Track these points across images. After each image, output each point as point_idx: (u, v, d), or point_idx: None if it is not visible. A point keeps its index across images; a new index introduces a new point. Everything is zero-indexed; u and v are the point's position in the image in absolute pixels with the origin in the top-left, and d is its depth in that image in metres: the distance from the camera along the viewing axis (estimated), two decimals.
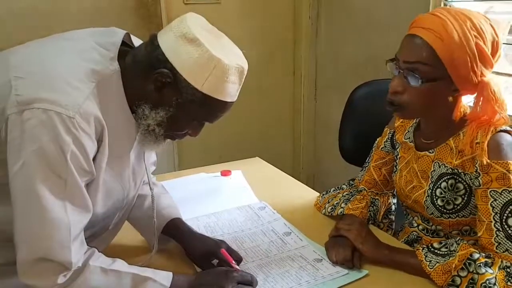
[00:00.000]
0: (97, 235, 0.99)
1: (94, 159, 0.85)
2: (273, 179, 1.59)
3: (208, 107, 0.89)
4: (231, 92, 0.89)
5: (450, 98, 1.00)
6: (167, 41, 0.86)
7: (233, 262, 1.01)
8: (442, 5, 1.86)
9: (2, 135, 0.79)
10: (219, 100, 0.88)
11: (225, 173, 1.57)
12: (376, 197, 1.27)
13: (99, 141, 0.85)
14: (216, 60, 0.84)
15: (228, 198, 1.41)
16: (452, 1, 1.85)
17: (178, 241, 1.10)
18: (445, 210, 1.07)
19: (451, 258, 0.95)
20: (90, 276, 0.84)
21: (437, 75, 0.96)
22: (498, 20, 1.01)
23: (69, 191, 0.80)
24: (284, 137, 2.98)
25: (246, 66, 0.90)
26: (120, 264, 0.89)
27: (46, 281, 0.81)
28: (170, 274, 0.92)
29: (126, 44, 0.93)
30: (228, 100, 0.89)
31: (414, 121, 1.19)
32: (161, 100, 0.88)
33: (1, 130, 0.79)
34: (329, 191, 1.34)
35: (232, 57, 0.87)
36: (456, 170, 1.04)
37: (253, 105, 2.78)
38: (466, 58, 0.94)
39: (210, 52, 0.84)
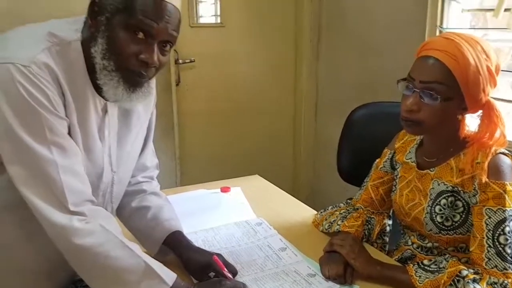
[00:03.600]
0: None
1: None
2: (272, 197, 1.62)
3: (132, 7, 0.88)
4: None
5: (459, 116, 1.06)
6: None
7: (226, 270, 1.04)
8: (437, 32, 1.92)
9: None
10: None
11: (225, 190, 1.60)
12: (372, 216, 1.29)
13: (62, 95, 0.90)
14: None
15: (226, 214, 1.44)
16: (446, 28, 1.91)
17: (176, 253, 1.12)
18: (443, 227, 1.10)
19: (440, 275, 0.98)
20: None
21: (452, 94, 1.02)
22: (499, 47, 1.08)
23: (50, 134, 0.86)
24: (284, 155, 3.02)
25: None
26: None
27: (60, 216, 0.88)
28: (175, 275, 0.95)
29: None
30: None
31: (416, 141, 1.23)
32: (96, 30, 0.91)
33: None
34: (327, 209, 1.37)
35: None
36: (456, 188, 1.08)
37: (254, 124, 2.84)
38: (479, 78, 1.01)
39: None
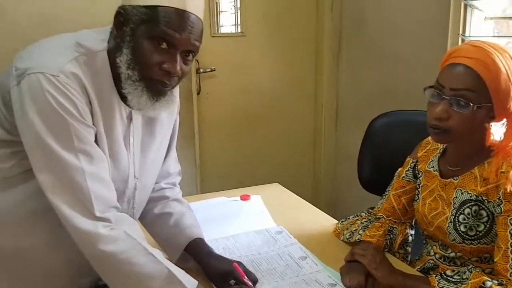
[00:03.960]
0: None
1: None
2: (291, 205, 1.62)
3: (156, 18, 0.91)
4: None
5: (487, 125, 1.06)
6: None
7: (246, 278, 1.04)
8: (460, 40, 1.90)
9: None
10: (163, 6, 0.91)
11: (245, 198, 1.61)
12: (394, 226, 1.28)
13: (89, 104, 0.93)
14: None
15: (246, 222, 1.44)
16: (469, 37, 1.89)
17: (197, 260, 1.13)
18: (467, 236, 1.09)
19: (463, 286, 0.96)
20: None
21: (482, 102, 1.01)
22: None
23: (77, 142, 0.89)
24: (304, 164, 3.01)
25: None
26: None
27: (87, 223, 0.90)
28: (197, 282, 0.97)
29: None
30: (172, 5, 0.91)
31: (438, 150, 1.22)
32: (122, 41, 0.94)
33: (8, 108, 0.90)
34: (348, 218, 1.37)
35: None
36: (480, 197, 1.07)
37: (274, 132, 2.85)
38: (510, 86, 1.01)
39: None
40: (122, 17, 0.94)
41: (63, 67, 0.89)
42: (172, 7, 0.91)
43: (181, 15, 0.92)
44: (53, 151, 0.88)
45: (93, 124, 0.94)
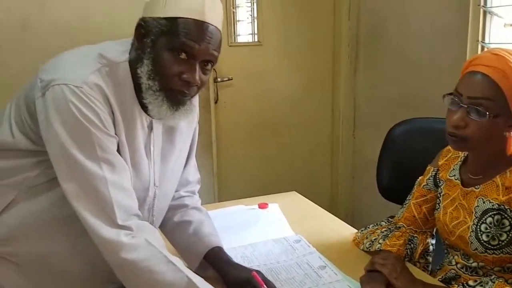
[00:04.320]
0: None
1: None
2: (310, 213, 1.61)
3: (176, 30, 0.93)
4: (191, 7, 0.93)
5: (506, 134, 1.04)
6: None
7: (265, 286, 1.04)
8: (479, 47, 1.88)
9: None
10: (182, 18, 0.93)
11: (263, 206, 1.61)
12: (415, 235, 1.27)
13: (112, 114, 0.95)
14: None
15: (264, 230, 1.44)
16: (488, 43, 1.87)
17: (216, 269, 1.13)
18: (489, 246, 1.07)
19: None
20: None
21: (500, 111, 1.00)
22: None
23: (100, 151, 0.91)
24: (322, 172, 3.00)
25: None
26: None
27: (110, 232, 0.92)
28: None
29: None
30: (191, 16, 0.93)
31: (459, 159, 1.21)
32: (142, 52, 0.96)
33: (33, 118, 0.93)
34: (368, 227, 1.36)
35: None
36: (502, 206, 1.05)
37: (291, 140, 2.84)
38: None
39: None
40: (143, 29, 0.96)
41: (86, 78, 0.91)
42: (192, 19, 0.93)
43: (200, 26, 0.94)
44: (77, 161, 0.90)
45: (115, 134, 0.96)
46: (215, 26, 0.96)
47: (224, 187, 2.69)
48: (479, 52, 1.87)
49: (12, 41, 1.98)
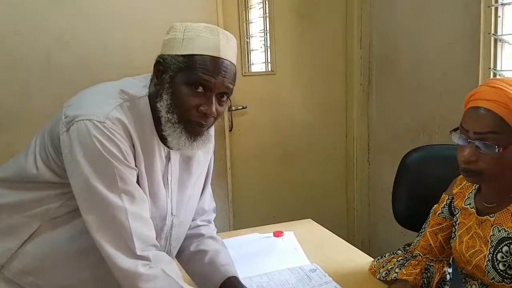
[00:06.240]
0: None
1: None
2: (325, 242, 1.61)
3: (193, 66, 0.97)
4: (207, 45, 0.98)
5: None
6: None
7: None
8: (491, 74, 1.89)
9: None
10: (199, 55, 0.97)
11: (278, 234, 1.61)
12: (431, 264, 1.26)
13: (132, 147, 0.98)
14: (185, 24, 1.00)
15: (280, 259, 1.44)
16: (500, 71, 1.88)
17: None
18: (506, 275, 1.05)
19: None
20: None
21: (508, 142, 1.01)
22: None
23: (121, 183, 0.94)
24: (337, 199, 2.99)
25: (216, 26, 1.02)
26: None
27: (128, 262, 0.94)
28: None
29: None
30: (207, 53, 0.98)
31: (474, 187, 1.20)
32: (162, 87, 1.00)
33: (57, 152, 0.97)
34: (384, 256, 1.35)
35: (202, 23, 1.00)
36: None
37: (306, 168, 2.85)
38: None
39: (180, 23, 0.99)
40: (161, 65, 1.01)
41: (109, 113, 0.95)
42: (208, 55, 0.98)
43: (216, 61, 0.99)
44: (98, 193, 0.93)
45: (135, 165, 0.99)
46: (229, 61, 1.01)
47: (239, 214, 2.69)
48: None
49: (36, 74, 2.06)
